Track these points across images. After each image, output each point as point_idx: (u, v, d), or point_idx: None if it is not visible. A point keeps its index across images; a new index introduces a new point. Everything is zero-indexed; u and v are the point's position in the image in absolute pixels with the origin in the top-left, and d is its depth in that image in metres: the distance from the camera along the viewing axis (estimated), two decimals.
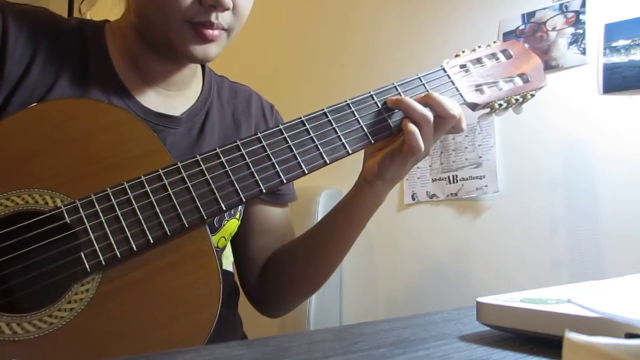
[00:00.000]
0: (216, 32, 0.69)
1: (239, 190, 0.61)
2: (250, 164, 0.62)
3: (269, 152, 0.63)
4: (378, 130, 0.68)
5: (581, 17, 1.22)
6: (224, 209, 0.60)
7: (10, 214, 0.56)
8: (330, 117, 0.67)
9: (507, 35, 1.33)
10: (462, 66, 0.75)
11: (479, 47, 0.79)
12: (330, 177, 1.46)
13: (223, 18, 0.69)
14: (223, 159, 0.62)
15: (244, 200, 0.61)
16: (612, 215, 1.16)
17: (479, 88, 0.75)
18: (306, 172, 0.64)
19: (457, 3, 1.43)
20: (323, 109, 0.67)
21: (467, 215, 1.38)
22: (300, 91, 1.75)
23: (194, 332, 0.57)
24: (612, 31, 1.18)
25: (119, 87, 0.73)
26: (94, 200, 0.58)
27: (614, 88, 1.17)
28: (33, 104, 0.63)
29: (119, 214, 0.57)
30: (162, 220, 0.58)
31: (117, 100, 0.71)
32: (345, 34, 1.67)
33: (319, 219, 0.85)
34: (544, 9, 1.28)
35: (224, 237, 0.80)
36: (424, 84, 0.72)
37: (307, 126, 0.66)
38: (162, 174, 0.60)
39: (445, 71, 0.74)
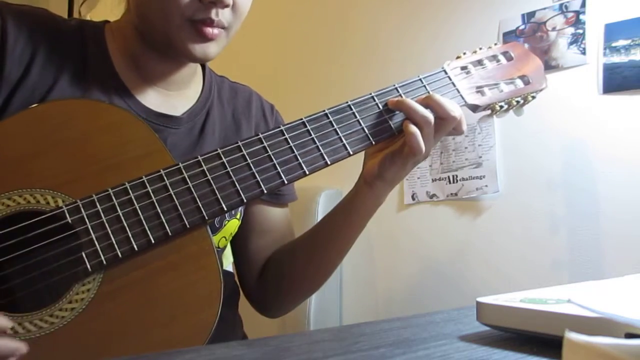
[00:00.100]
0: (216, 30, 0.69)
1: (240, 191, 0.61)
2: (251, 165, 0.62)
3: (270, 152, 0.63)
4: (379, 132, 0.68)
5: (581, 17, 1.23)
6: (225, 209, 0.60)
7: (12, 213, 0.57)
8: (331, 118, 0.67)
9: (507, 35, 1.33)
10: (463, 68, 0.76)
11: (480, 48, 0.79)
12: (331, 178, 1.46)
13: (223, 15, 0.69)
14: (224, 160, 0.62)
15: (245, 200, 0.61)
16: (612, 215, 1.16)
17: (479, 90, 0.75)
18: (307, 173, 0.64)
19: (457, 3, 1.43)
20: (324, 110, 0.67)
21: (467, 215, 1.38)
22: (300, 91, 1.75)
23: (195, 333, 0.57)
24: (612, 31, 1.18)
25: (119, 86, 0.73)
26: (96, 200, 0.58)
27: (614, 88, 1.17)
28: (34, 105, 0.63)
29: (120, 214, 0.58)
30: (164, 221, 0.58)
31: (118, 99, 0.72)
32: (345, 34, 1.67)
33: (319, 219, 0.85)
34: (544, 9, 1.28)
35: (224, 237, 0.80)
36: (425, 86, 0.72)
37: (309, 127, 0.66)
38: (163, 174, 0.60)
39: (446, 73, 0.74)
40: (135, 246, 0.57)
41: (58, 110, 0.63)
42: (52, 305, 0.55)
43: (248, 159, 0.63)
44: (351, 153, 0.66)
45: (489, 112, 0.77)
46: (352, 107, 0.68)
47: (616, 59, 1.17)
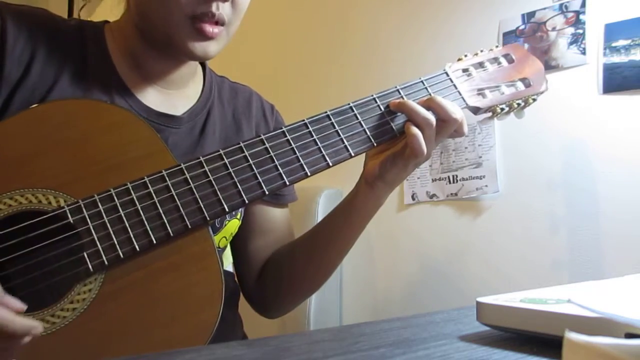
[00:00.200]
0: (216, 29, 0.69)
1: (242, 192, 0.61)
2: (253, 166, 0.63)
3: (272, 154, 0.64)
4: (381, 133, 0.68)
5: (581, 17, 1.23)
6: (227, 210, 0.61)
7: (14, 213, 0.57)
8: (333, 120, 0.67)
9: (507, 35, 1.33)
10: (465, 70, 0.76)
11: (481, 51, 0.79)
12: (331, 178, 1.46)
13: (223, 9, 0.69)
14: (226, 161, 0.62)
15: (246, 201, 0.61)
16: (612, 215, 1.16)
17: (481, 92, 0.75)
18: (309, 174, 0.64)
19: (457, 3, 1.43)
20: (326, 112, 0.67)
21: (467, 215, 1.38)
22: (300, 91, 1.75)
23: (196, 333, 0.57)
24: (612, 31, 1.18)
25: (119, 86, 0.73)
26: (97, 200, 0.58)
27: (614, 88, 1.17)
28: (34, 105, 0.63)
29: (122, 215, 0.58)
30: (165, 221, 0.58)
31: (119, 99, 0.72)
32: (345, 34, 1.67)
33: (319, 220, 0.85)
34: (544, 9, 1.28)
35: (225, 237, 0.80)
36: (426, 88, 0.72)
37: (310, 129, 0.66)
38: (165, 174, 0.60)
39: (447, 75, 0.74)
40: (137, 246, 0.57)
41: (59, 110, 0.63)
42: (53, 305, 0.55)
43: (250, 160, 0.63)
44: (353, 155, 0.67)
45: (489, 114, 0.77)
46: (353, 108, 0.69)
47: (616, 59, 1.17)
